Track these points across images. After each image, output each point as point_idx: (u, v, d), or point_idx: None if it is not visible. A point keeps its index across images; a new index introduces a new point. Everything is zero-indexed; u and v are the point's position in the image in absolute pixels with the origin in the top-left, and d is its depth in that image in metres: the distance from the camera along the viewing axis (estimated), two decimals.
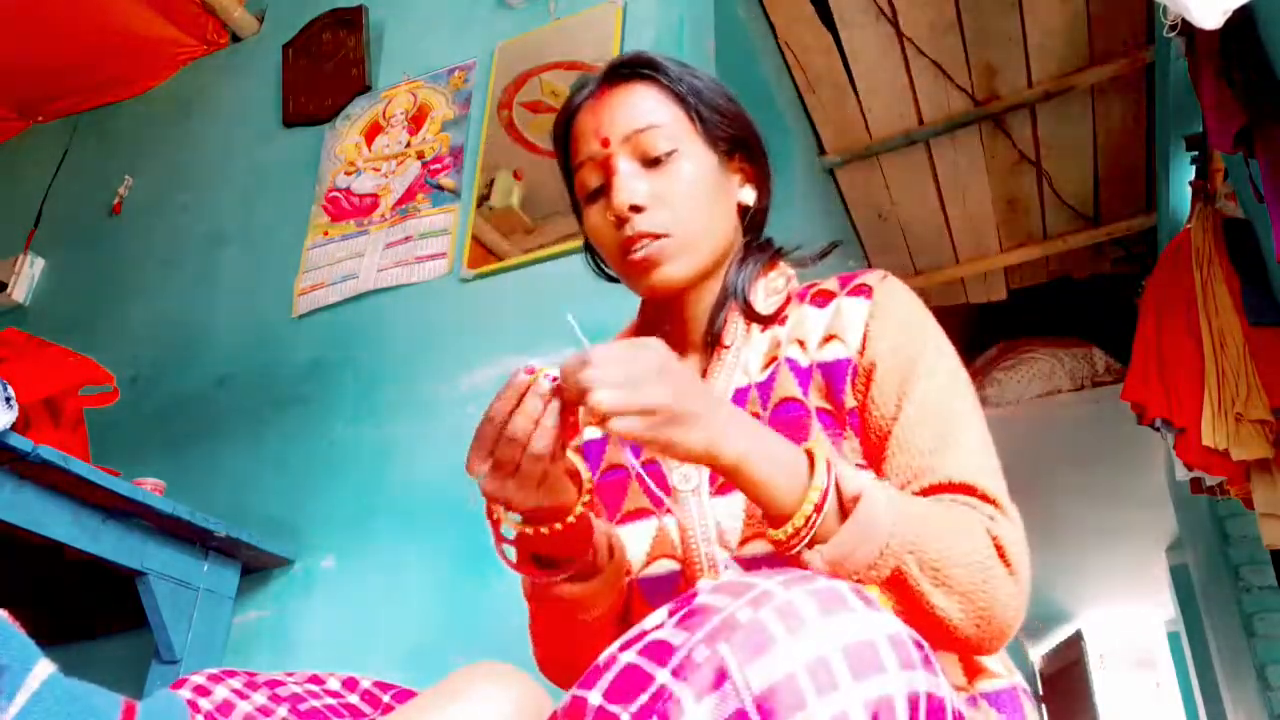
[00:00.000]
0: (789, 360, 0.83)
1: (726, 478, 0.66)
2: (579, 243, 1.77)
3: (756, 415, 0.81)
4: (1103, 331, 4.39)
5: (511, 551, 0.75)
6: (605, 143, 0.86)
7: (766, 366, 0.85)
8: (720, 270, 0.89)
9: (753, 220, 0.94)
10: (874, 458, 0.78)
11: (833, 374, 0.81)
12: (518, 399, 0.63)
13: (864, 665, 0.46)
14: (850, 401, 0.80)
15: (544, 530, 0.70)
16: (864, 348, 0.81)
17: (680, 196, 0.84)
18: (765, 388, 0.83)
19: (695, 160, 0.86)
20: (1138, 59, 2.96)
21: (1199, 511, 4.01)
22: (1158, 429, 2.71)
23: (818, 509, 0.64)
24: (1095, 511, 5.36)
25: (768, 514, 0.67)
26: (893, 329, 0.81)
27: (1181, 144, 2.78)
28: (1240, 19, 1.74)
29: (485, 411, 0.65)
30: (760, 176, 0.94)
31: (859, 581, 0.64)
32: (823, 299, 0.87)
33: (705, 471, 0.82)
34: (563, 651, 0.85)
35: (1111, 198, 3.63)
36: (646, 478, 0.82)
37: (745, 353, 0.87)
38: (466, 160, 2.02)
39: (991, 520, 0.70)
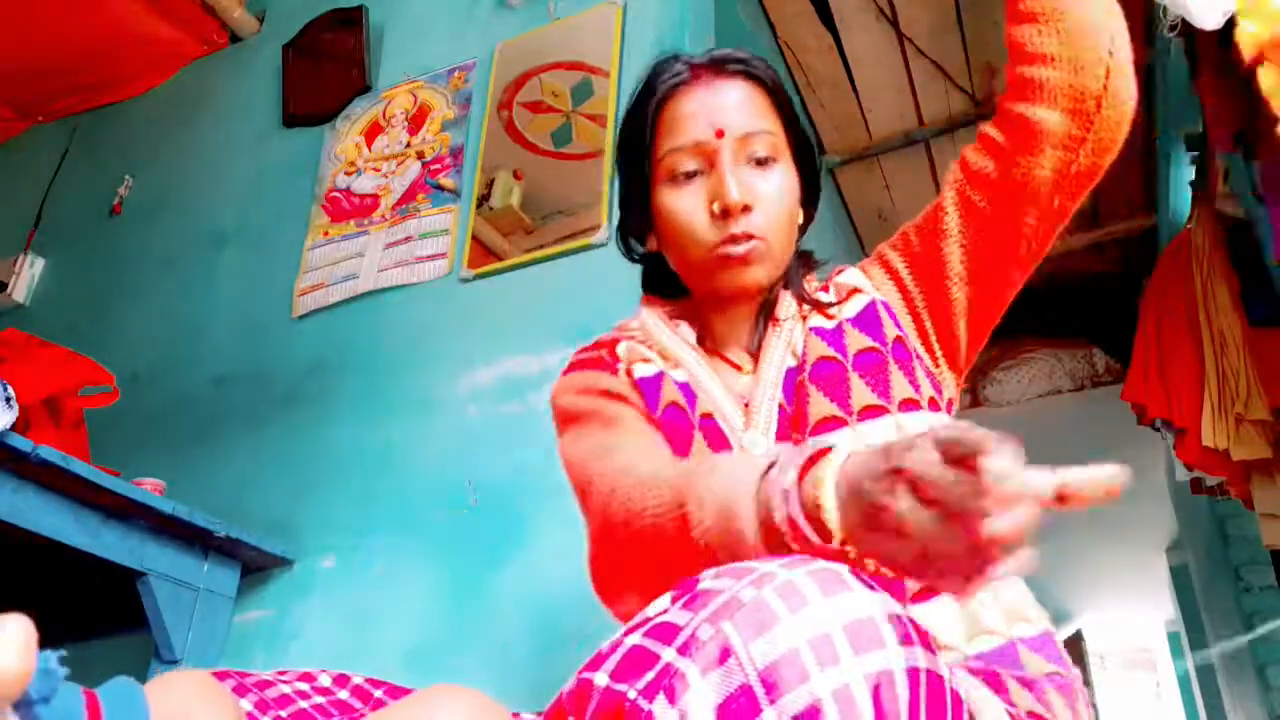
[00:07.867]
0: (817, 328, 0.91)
1: None
2: (579, 243, 1.78)
3: (803, 385, 0.86)
4: (1103, 331, 4.39)
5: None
6: (720, 133, 0.88)
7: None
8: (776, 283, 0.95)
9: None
10: (998, 206, 0.88)
11: (868, 314, 0.90)
12: None
13: (864, 641, 0.47)
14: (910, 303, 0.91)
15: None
16: (886, 273, 0.93)
17: (776, 205, 0.89)
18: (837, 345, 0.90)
19: (788, 175, 0.92)
20: (1137, 59, 2.95)
21: (1199, 511, 4.01)
22: (1158, 429, 2.71)
23: None
24: (1095, 511, 5.32)
25: None
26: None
27: (1181, 144, 2.78)
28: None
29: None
30: (811, 205, 0.99)
31: None
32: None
33: (772, 430, 0.85)
34: (652, 572, 0.73)
35: (1111, 198, 3.63)
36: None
37: (796, 332, 0.91)
38: (466, 160, 2.02)
39: None
